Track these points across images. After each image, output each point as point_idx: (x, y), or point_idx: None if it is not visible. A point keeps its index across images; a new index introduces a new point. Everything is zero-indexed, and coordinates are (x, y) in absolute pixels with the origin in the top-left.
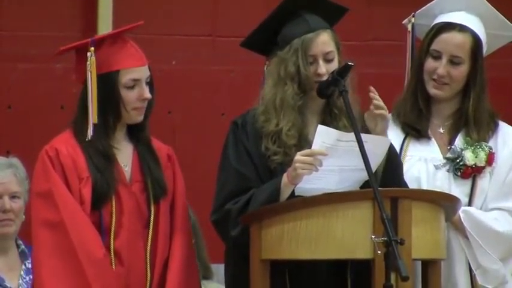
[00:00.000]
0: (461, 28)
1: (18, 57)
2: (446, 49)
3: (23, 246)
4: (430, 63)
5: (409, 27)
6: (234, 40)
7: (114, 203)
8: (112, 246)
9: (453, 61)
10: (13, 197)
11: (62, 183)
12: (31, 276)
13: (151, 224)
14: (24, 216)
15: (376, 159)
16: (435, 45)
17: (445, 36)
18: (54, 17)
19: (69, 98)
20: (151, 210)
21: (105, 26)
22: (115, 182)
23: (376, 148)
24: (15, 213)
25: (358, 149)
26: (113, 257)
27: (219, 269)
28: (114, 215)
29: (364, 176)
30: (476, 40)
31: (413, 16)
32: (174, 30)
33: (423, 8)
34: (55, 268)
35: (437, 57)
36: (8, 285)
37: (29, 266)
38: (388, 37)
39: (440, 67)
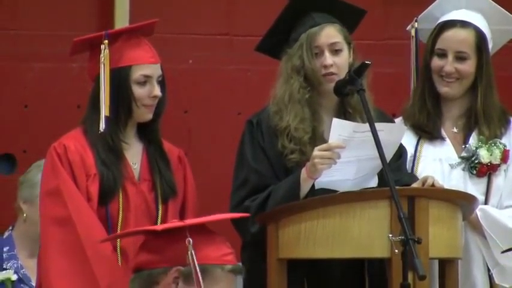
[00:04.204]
0: (463, 24)
1: (34, 57)
2: (451, 46)
3: None
4: (436, 61)
5: (413, 32)
6: (250, 39)
7: (121, 199)
8: (118, 243)
9: (459, 57)
10: None
11: (69, 180)
12: None
13: (159, 223)
14: None
15: (393, 147)
16: (439, 44)
17: (448, 34)
18: (70, 16)
19: (85, 97)
20: (159, 209)
21: (122, 25)
22: (122, 178)
23: (392, 136)
24: None
25: (376, 132)
26: (119, 254)
27: None
28: (120, 212)
29: (380, 163)
30: (479, 35)
31: (415, 21)
32: (190, 29)
33: (424, 11)
34: (63, 265)
35: (442, 55)
36: (34, 285)
37: None
38: (404, 36)
39: (447, 65)
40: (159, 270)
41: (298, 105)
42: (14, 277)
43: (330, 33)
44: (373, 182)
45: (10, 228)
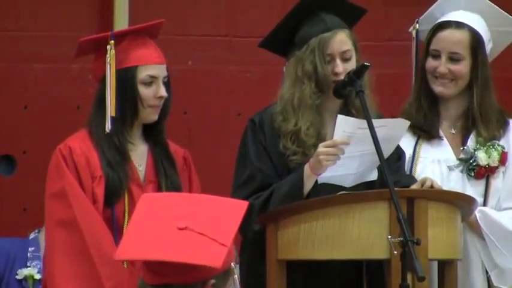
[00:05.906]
0: (458, 25)
1: (34, 58)
2: (444, 47)
3: None
4: (430, 62)
5: (414, 33)
6: (250, 40)
7: (126, 201)
8: None
9: (452, 58)
10: None
11: (75, 182)
12: None
13: None
14: None
15: (395, 141)
16: (433, 45)
17: (442, 35)
18: (70, 17)
19: (85, 98)
20: None
21: (121, 26)
22: (127, 179)
23: (395, 130)
24: None
25: (376, 134)
26: None
27: None
28: (126, 214)
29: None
30: (474, 36)
31: (417, 22)
32: (190, 31)
33: (425, 13)
34: (68, 267)
35: (436, 56)
36: None
37: None
38: (405, 37)
39: (441, 65)
40: (189, 284)
41: (310, 111)
42: (38, 276)
43: (342, 40)
44: (373, 175)
45: (36, 230)
